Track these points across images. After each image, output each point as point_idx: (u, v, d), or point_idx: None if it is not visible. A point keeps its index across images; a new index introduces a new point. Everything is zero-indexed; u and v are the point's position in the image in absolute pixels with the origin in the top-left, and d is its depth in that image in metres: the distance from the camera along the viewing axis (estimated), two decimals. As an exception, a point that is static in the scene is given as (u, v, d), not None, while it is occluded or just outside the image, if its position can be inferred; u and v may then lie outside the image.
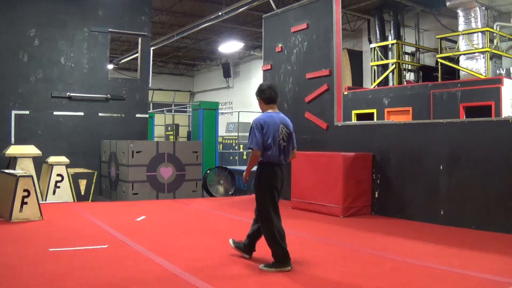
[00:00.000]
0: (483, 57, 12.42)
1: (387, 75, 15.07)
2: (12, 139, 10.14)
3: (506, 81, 10.93)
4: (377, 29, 15.96)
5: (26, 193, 6.73)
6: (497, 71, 12.63)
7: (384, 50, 15.43)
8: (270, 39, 10.47)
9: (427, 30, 16.08)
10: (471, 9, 12.60)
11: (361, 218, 7.39)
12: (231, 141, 19.67)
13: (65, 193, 9.23)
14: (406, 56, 15.73)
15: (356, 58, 17.51)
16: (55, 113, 10.65)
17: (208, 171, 11.67)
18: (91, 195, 9.99)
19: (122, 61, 23.45)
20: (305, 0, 9.51)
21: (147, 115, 12.02)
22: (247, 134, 4.77)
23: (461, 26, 12.87)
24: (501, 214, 6.15)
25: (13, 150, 9.03)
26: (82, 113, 10.93)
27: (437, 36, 14.06)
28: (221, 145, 18.66)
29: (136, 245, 5.33)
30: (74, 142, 10.68)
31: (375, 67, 15.61)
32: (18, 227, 6.34)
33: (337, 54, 8.74)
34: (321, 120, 8.97)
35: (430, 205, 6.93)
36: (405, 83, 14.86)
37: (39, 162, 9.46)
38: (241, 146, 17.79)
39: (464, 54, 12.78)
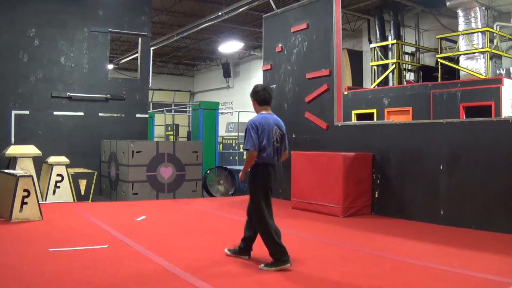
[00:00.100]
0: (483, 57, 12.42)
1: (387, 75, 15.07)
2: (12, 139, 10.14)
3: (506, 81, 10.93)
4: (377, 29, 15.96)
5: (26, 193, 6.73)
6: (497, 71, 12.64)
7: (384, 50, 15.44)
8: (270, 39, 10.47)
9: (427, 30, 16.08)
10: (471, 9, 12.61)
11: (361, 218, 7.39)
12: (231, 141, 19.69)
13: (65, 193, 9.23)
14: (406, 56, 15.74)
15: (356, 58, 17.51)
16: (55, 113, 10.65)
17: (208, 171, 11.67)
18: (91, 195, 9.99)
19: (122, 61, 23.45)
20: (305, 0, 9.51)
21: (147, 115, 12.02)
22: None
23: (461, 26, 12.88)
24: (501, 214, 6.15)
25: (13, 150, 9.03)
26: (82, 113, 10.93)
27: (437, 36, 14.07)
28: (221, 145, 18.69)
29: (136, 245, 5.33)
30: (74, 142, 10.68)
31: (375, 67, 15.61)
32: (18, 227, 6.34)
33: (337, 54, 8.75)
34: (321, 120, 8.97)
35: (430, 205, 6.93)
36: (405, 83, 14.86)
37: (39, 162, 9.46)
38: (241, 146, 17.80)
39: (464, 54, 12.79)
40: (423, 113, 11.79)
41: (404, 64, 15.29)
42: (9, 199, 6.76)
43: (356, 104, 13.55)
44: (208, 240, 5.73)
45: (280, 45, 10.06)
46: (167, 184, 9.92)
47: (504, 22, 13.05)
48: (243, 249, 4.77)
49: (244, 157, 16.75)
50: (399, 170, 7.49)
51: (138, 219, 7.13)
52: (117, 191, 9.94)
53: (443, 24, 15.12)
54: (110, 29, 11.31)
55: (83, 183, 9.80)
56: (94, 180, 10.03)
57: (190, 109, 17.61)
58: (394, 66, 14.89)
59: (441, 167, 6.82)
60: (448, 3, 12.92)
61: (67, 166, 9.42)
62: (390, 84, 14.93)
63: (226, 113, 23.00)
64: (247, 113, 18.09)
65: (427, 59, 16.19)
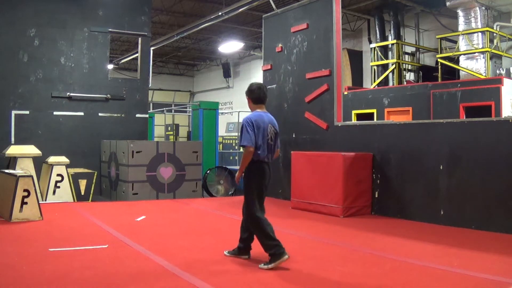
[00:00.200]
0: (483, 57, 12.42)
1: (387, 75, 15.07)
2: (12, 139, 10.14)
3: (506, 81, 10.93)
4: (377, 29, 15.96)
5: (26, 193, 6.73)
6: (497, 71, 12.64)
7: (384, 50, 15.43)
8: (270, 39, 10.47)
9: (427, 30, 16.08)
10: (471, 9, 12.61)
11: (361, 218, 7.39)
12: (231, 141, 19.68)
13: (65, 193, 9.23)
14: (406, 56, 15.73)
15: (356, 58, 17.51)
16: (55, 113, 10.65)
17: (208, 171, 11.67)
18: (91, 195, 9.99)
19: (122, 61, 23.45)
20: (305, 0, 9.51)
21: (147, 115, 12.02)
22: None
23: (461, 26, 12.88)
24: (501, 214, 6.15)
25: (13, 150, 9.03)
26: (82, 113, 10.93)
27: (437, 36, 14.06)
28: (221, 145, 18.68)
29: (136, 245, 5.33)
30: (74, 142, 10.68)
31: (375, 67, 15.61)
32: (18, 227, 6.34)
33: (337, 54, 8.74)
34: (321, 120, 8.97)
35: (430, 205, 6.93)
36: (405, 83, 14.86)
37: (39, 162, 9.46)
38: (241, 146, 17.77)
39: (464, 54, 12.78)
40: (423, 113, 11.79)
41: (404, 64, 15.29)
42: (9, 199, 6.76)
43: (356, 104, 13.55)
44: (208, 240, 5.74)
45: (280, 45, 10.06)
46: (167, 184, 9.92)
47: (504, 22, 13.05)
48: (243, 249, 4.77)
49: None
50: (399, 170, 7.49)
51: (138, 219, 7.13)
52: (117, 191, 9.94)
53: (443, 24, 15.11)
54: (110, 29, 11.31)
55: (83, 183, 9.80)
56: (94, 180, 10.03)
57: (190, 109, 17.59)
58: (394, 66, 14.89)
59: (441, 167, 6.82)
60: (448, 3, 12.92)
61: (67, 166, 9.42)
62: (390, 84, 14.92)
63: (226, 113, 22.98)
64: (247, 113, 18.07)
65: (427, 59, 16.19)
